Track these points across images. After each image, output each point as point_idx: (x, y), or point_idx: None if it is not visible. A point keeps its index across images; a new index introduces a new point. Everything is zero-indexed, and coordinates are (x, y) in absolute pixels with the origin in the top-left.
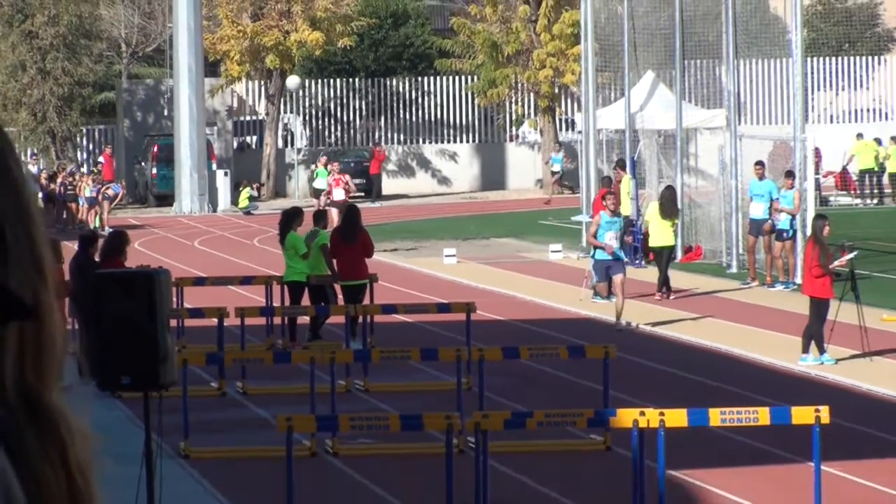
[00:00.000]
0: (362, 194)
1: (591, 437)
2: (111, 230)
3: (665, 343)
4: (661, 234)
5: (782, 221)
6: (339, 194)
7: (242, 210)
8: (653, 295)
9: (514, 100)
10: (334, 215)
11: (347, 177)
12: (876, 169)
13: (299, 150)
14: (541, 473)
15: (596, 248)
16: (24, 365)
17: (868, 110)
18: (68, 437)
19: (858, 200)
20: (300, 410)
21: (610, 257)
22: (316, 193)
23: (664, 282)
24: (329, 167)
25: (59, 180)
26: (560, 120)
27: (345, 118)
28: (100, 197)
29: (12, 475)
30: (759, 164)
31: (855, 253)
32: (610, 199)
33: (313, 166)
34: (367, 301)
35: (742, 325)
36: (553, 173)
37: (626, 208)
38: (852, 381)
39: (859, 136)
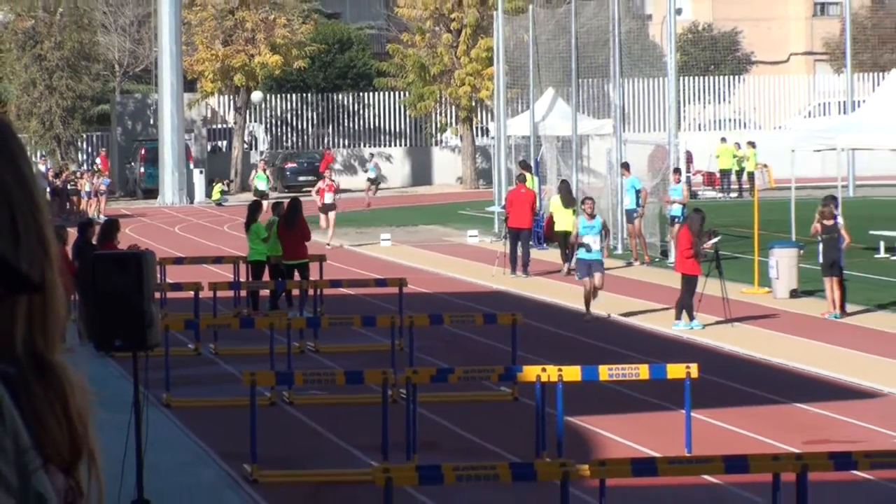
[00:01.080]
0: (267, 176)
1: (501, 390)
2: (106, 218)
3: (561, 311)
4: (564, 220)
5: (674, 209)
6: (328, 198)
7: (215, 202)
8: (559, 272)
9: (438, 111)
10: (326, 218)
11: (338, 183)
12: (737, 168)
13: (261, 153)
14: (460, 419)
15: (580, 246)
16: (33, 330)
17: (730, 120)
18: (69, 390)
19: (722, 194)
20: (262, 367)
21: (590, 257)
22: (256, 193)
23: (568, 259)
24: (323, 174)
25: (63, 177)
26: (476, 128)
27: (299, 126)
28: (97, 192)
29: (20, 421)
30: (624, 165)
31: (719, 238)
32: (587, 204)
33: (255, 171)
34: (317, 277)
35: (625, 297)
36: (369, 180)
37: (566, 221)
38: (717, 342)
39: (723, 140)
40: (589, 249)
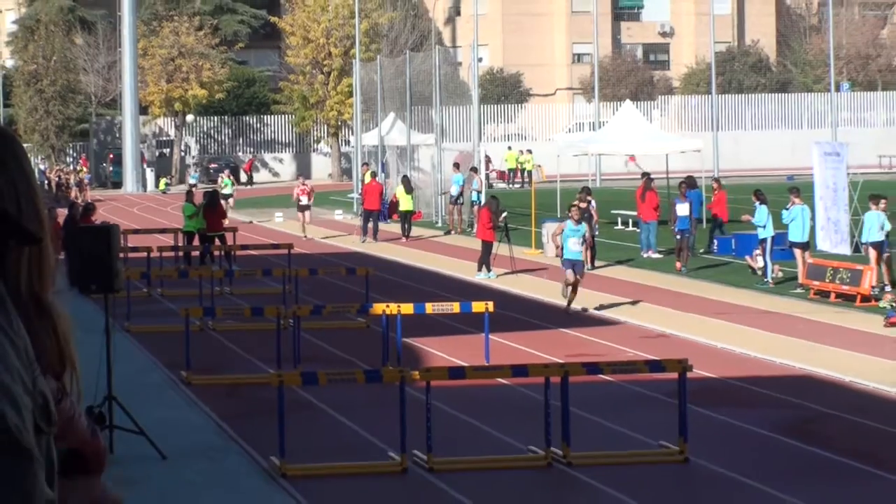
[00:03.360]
0: (231, 181)
1: (358, 320)
2: (86, 202)
3: (400, 265)
4: (405, 203)
5: (475, 196)
6: (304, 200)
7: (161, 191)
8: (399, 239)
9: (315, 128)
10: (302, 216)
11: (310, 186)
12: (520, 168)
13: (193, 157)
14: (329, 340)
15: (562, 249)
16: (32, 277)
17: (515, 135)
18: (57, 318)
19: (512, 185)
20: (193, 304)
21: (573, 257)
22: (223, 197)
23: (407, 230)
24: (298, 180)
25: (54, 174)
26: (341, 140)
27: (219, 139)
28: (81, 184)
29: (28, 340)
30: (456, 165)
31: (505, 214)
32: (574, 211)
33: (221, 179)
34: (230, 243)
35: (443, 256)
36: (159, 177)
37: (407, 202)
38: (507, 287)
39: (509, 148)
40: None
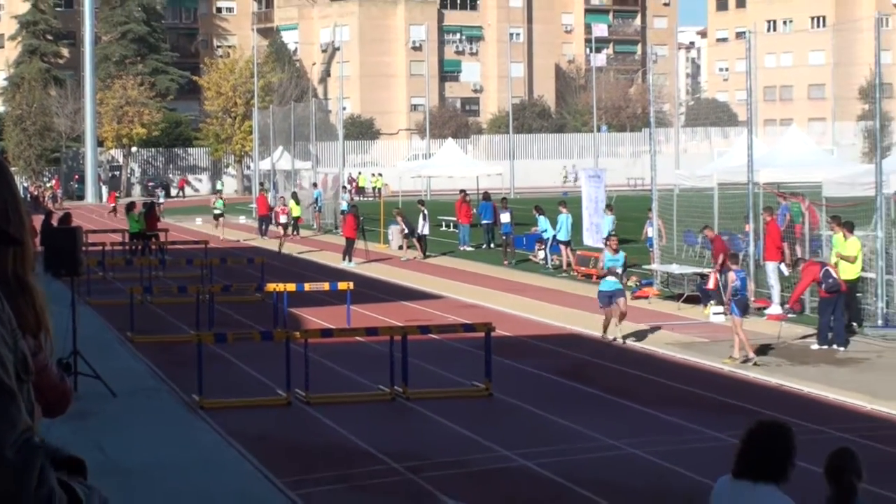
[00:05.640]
0: (162, 193)
1: (256, 295)
2: (63, 212)
3: (283, 256)
4: (295, 211)
5: (343, 205)
6: (283, 219)
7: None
8: (292, 235)
9: (225, 157)
10: (281, 231)
11: (289, 208)
12: (373, 186)
13: (137, 177)
14: (235, 310)
15: (601, 278)
16: (16, 263)
17: (370, 162)
18: (35, 294)
19: (365, 199)
20: (136, 284)
21: (611, 287)
22: (214, 216)
23: (295, 231)
24: (286, 199)
25: (33, 190)
26: (244, 166)
27: (155, 164)
28: (54, 197)
29: (9, 309)
30: (314, 184)
31: (362, 219)
32: (613, 241)
33: (213, 198)
34: (163, 240)
35: (317, 249)
36: (50, 190)
37: (297, 211)
38: (363, 272)
39: (360, 173)
40: (617, 276)
